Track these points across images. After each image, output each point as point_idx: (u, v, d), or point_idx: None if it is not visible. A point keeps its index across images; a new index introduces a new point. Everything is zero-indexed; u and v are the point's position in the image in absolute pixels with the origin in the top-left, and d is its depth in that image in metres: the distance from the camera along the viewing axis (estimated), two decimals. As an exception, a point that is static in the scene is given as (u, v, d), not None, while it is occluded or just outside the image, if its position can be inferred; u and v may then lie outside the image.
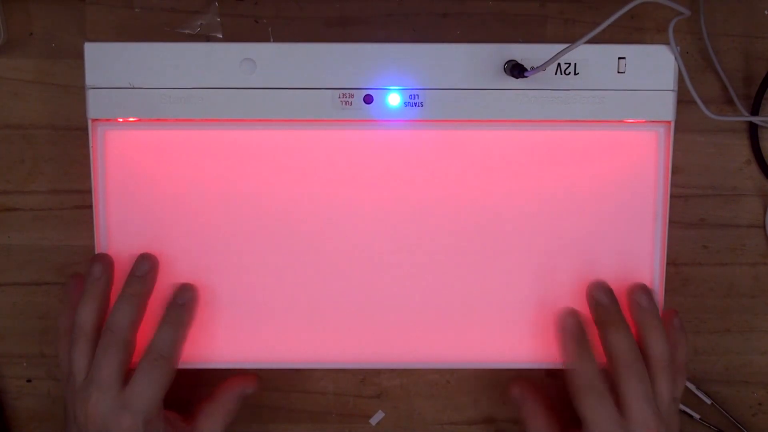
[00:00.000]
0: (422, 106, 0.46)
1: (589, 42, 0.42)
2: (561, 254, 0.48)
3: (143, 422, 0.44)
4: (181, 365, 0.48)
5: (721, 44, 0.52)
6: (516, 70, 0.44)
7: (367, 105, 0.45)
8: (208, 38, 0.51)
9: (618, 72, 0.46)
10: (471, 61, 0.45)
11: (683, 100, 0.47)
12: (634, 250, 0.48)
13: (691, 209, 0.52)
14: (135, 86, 0.45)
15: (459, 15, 0.51)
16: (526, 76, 0.44)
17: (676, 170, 0.49)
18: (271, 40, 0.51)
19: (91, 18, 0.51)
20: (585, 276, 0.48)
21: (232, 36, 0.51)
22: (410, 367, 0.51)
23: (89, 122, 0.46)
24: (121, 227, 0.47)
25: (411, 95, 0.46)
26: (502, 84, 0.46)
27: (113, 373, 0.44)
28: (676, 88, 0.46)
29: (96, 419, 0.43)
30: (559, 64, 0.45)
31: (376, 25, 0.51)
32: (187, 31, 0.51)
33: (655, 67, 0.46)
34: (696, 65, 0.52)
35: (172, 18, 0.51)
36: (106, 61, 0.45)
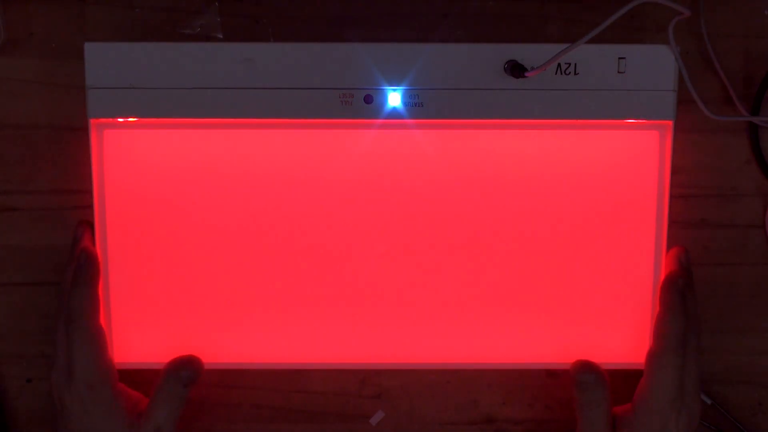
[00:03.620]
0: (422, 106, 0.46)
1: (589, 42, 0.42)
2: (561, 254, 0.48)
3: (86, 387, 0.46)
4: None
5: (721, 44, 0.52)
6: (516, 70, 0.44)
7: (367, 105, 0.45)
8: (208, 38, 0.51)
9: (618, 72, 0.46)
10: (471, 61, 0.45)
11: (683, 100, 0.47)
12: (634, 250, 0.48)
13: (692, 209, 0.52)
14: (135, 86, 0.45)
15: (459, 15, 0.51)
16: (526, 76, 0.44)
17: (676, 170, 0.49)
18: (271, 40, 0.51)
19: (91, 18, 0.51)
20: (585, 276, 0.48)
21: (232, 36, 0.51)
22: (410, 367, 0.51)
23: (89, 122, 0.46)
24: (121, 227, 0.47)
25: (411, 95, 0.45)
26: (502, 84, 0.46)
27: (62, 355, 0.47)
28: (676, 88, 0.46)
29: (56, 398, 0.47)
30: (559, 64, 0.45)
31: (376, 25, 0.51)
32: (187, 31, 0.51)
33: (655, 67, 0.46)
34: (696, 65, 0.52)
35: (172, 18, 0.51)
36: (106, 61, 0.45)
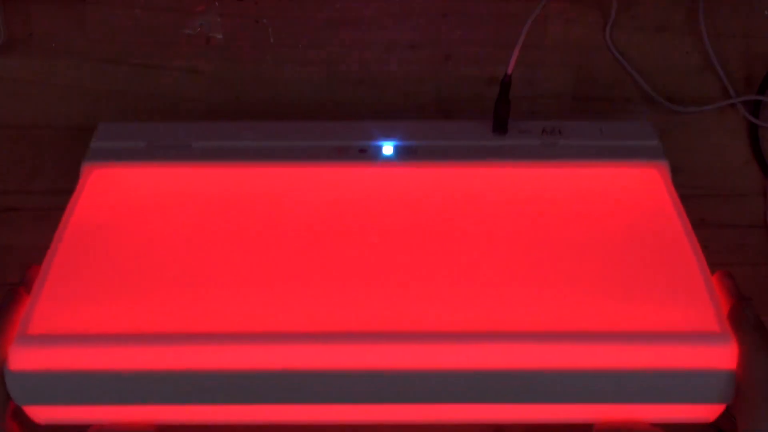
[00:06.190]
0: (416, 153, 0.46)
1: (569, 119, 0.41)
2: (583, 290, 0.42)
3: None
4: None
5: (721, 44, 0.52)
6: (498, 125, 0.46)
7: (361, 154, 0.46)
8: (208, 38, 0.51)
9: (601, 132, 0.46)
10: (459, 131, 0.47)
11: (683, 100, 0.47)
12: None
13: (691, 209, 0.52)
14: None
15: (459, 15, 0.51)
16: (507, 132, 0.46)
17: (676, 170, 0.49)
18: (271, 40, 0.51)
19: (91, 18, 0.51)
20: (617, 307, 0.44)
21: (232, 36, 0.51)
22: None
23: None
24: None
25: (404, 148, 0.46)
26: (491, 140, 0.46)
27: None
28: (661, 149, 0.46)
29: None
30: (544, 129, 0.46)
31: (376, 25, 0.51)
32: (187, 31, 0.51)
33: (636, 137, 0.46)
34: (696, 65, 0.52)
35: (173, 18, 0.51)
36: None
